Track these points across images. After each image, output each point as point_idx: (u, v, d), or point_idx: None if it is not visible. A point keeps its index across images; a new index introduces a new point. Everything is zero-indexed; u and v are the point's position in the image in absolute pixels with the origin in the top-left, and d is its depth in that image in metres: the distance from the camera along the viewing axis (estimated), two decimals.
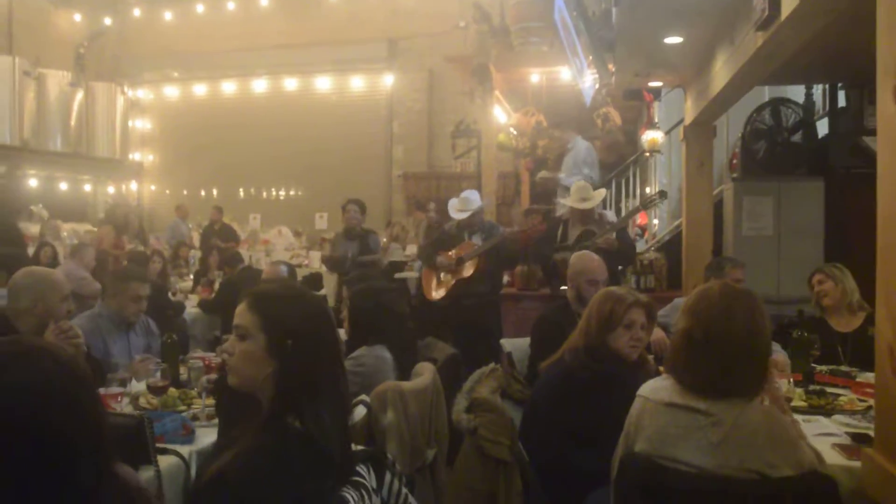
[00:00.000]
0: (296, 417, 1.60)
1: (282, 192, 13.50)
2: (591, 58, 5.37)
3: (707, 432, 1.92)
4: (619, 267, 5.45)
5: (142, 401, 2.97)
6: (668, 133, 7.38)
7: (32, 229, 10.10)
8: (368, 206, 6.98)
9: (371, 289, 3.46)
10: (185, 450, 2.38)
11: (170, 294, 6.73)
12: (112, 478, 1.11)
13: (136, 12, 13.38)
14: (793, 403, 2.81)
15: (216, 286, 7.09)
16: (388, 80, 12.97)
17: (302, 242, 11.78)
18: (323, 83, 13.34)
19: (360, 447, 1.78)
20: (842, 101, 6.43)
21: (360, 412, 2.71)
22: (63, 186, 12.29)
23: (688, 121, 5.93)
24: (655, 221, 7.67)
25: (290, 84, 13.42)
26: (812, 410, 2.86)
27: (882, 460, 2.00)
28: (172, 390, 3.03)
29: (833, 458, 2.32)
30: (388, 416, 2.76)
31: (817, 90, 6.91)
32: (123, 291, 3.67)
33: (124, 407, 2.89)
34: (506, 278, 6.27)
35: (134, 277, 3.78)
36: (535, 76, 8.17)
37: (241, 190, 13.45)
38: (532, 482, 2.58)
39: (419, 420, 2.95)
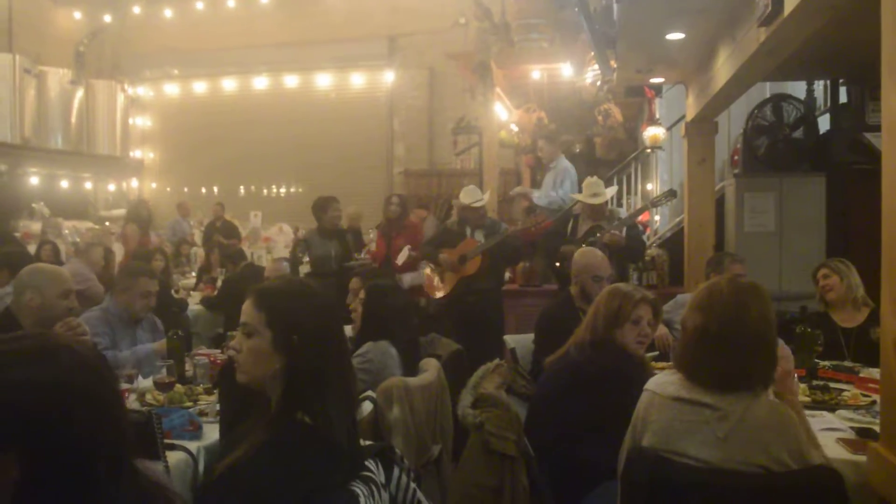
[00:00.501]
0: (305, 413, 1.61)
1: (282, 190, 13.50)
2: (592, 54, 5.37)
3: (714, 426, 1.93)
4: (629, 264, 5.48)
5: (148, 397, 2.99)
6: (669, 129, 7.38)
7: (33, 227, 10.10)
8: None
9: (381, 286, 3.49)
10: (192, 445, 2.40)
11: (172, 291, 6.74)
12: (131, 473, 1.12)
13: (136, 10, 13.34)
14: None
15: (219, 283, 7.10)
16: (388, 77, 12.96)
17: None
18: (323, 80, 13.33)
19: (368, 442, 1.80)
20: (843, 98, 6.43)
21: (366, 408, 2.72)
22: (64, 184, 12.29)
23: (689, 117, 5.93)
24: (657, 218, 7.68)
25: (291, 81, 13.42)
26: (816, 406, 2.87)
27: (888, 454, 2.01)
28: (178, 387, 3.05)
29: (838, 452, 2.33)
30: (393, 412, 2.77)
31: (818, 86, 6.92)
32: (132, 287, 3.68)
33: (131, 403, 2.91)
34: (507, 275, 6.29)
35: (143, 273, 3.79)
36: (535, 73, 8.18)
37: (241, 187, 13.44)
38: (538, 477, 2.59)
39: (424, 416, 2.97)
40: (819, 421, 2.66)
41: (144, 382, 3.17)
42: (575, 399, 2.66)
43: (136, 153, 13.88)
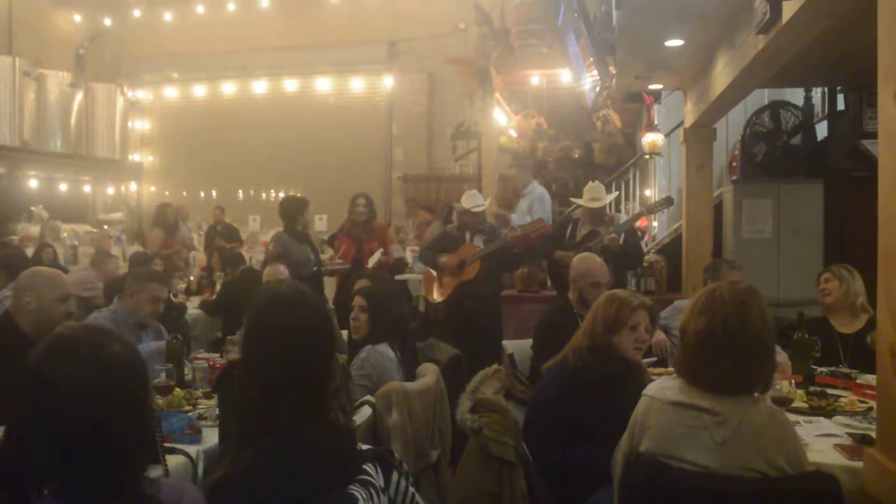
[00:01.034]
0: (300, 419, 1.62)
1: (281, 194, 13.47)
2: (591, 60, 5.39)
3: (712, 431, 1.94)
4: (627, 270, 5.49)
5: None
6: (667, 135, 7.40)
7: (32, 230, 10.09)
8: None
9: (379, 289, 3.51)
10: (192, 449, 2.40)
11: (171, 296, 6.73)
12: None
13: (136, 13, 13.36)
14: (794, 405, 2.83)
15: (217, 287, 7.09)
16: (388, 81, 12.98)
17: None
18: (323, 85, 13.34)
19: (367, 446, 1.80)
20: (841, 105, 6.46)
21: (365, 412, 2.73)
22: (63, 187, 12.27)
23: (688, 123, 5.95)
24: (655, 224, 7.70)
25: (290, 85, 13.42)
26: (813, 412, 2.88)
27: (884, 460, 2.02)
28: (178, 390, 3.05)
29: (835, 458, 2.35)
30: (392, 417, 2.78)
31: (816, 93, 6.94)
32: (141, 292, 3.67)
33: None
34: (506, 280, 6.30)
35: (153, 279, 3.78)
36: (535, 78, 8.21)
37: (240, 191, 13.43)
38: (536, 482, 2.59)
39: (423, 420, 2.98)
40: (816, 427, 2.67)
41: None
42: (573, 404, 2.67)
43: (136, 157, 13.87)
